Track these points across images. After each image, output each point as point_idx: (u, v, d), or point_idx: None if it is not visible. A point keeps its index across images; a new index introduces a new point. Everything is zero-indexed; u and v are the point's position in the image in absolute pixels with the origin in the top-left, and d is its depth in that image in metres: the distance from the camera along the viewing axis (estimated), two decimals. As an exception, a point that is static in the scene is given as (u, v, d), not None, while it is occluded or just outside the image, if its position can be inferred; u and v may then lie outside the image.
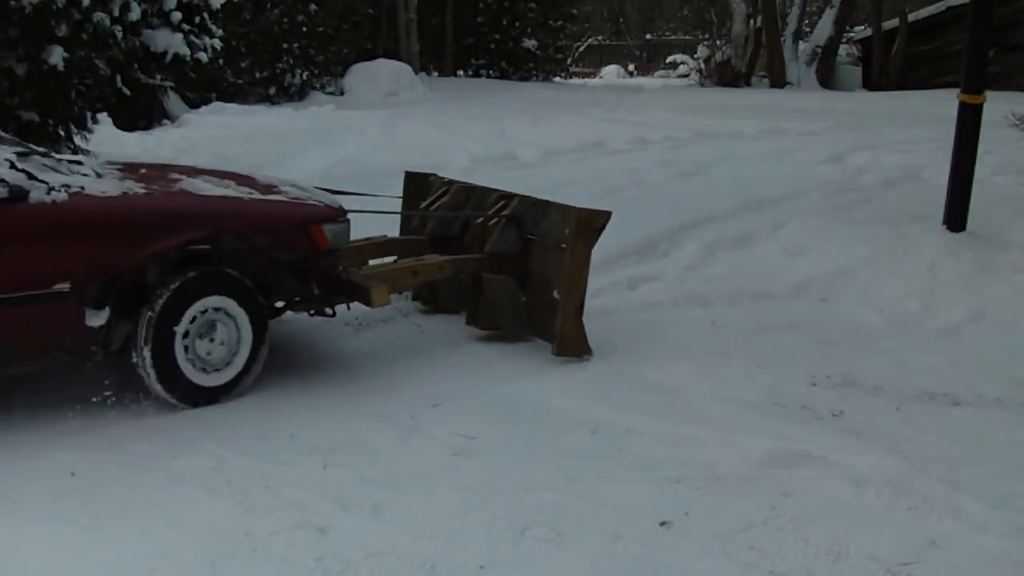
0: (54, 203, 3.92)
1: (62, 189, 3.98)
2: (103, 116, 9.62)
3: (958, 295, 5.50)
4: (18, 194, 3.84)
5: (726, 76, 22.46)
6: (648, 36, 37.01)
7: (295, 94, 17.26)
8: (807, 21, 24.18)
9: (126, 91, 8.62)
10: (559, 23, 25.45)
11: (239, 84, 16.59)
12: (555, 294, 4.83)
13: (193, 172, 4.88)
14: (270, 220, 4.51)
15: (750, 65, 22.25)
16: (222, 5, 9.44)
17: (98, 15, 7.42)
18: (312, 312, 4.84)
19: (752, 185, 9.50)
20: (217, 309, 4.28)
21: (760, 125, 12.35)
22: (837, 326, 5.44)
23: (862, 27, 23.53)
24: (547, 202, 5.07)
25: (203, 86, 14.00)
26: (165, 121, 13.56)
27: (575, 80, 27.65)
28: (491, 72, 24.37)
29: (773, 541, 3.21)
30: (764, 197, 8.81)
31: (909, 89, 18.41)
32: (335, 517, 3.33)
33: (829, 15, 21.55)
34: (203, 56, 9.02)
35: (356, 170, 9.97)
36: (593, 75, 31.84)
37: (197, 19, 9.05)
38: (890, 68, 20.20)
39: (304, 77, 17.41)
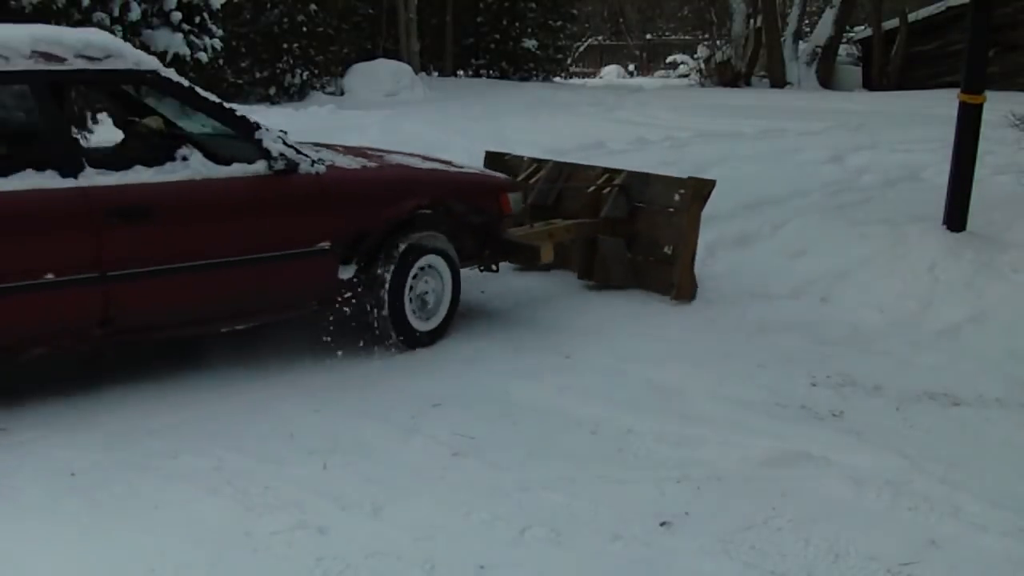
0: (317, 175, 4.70)
1: (321, 162, 4.75)
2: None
3: (958, 295, 5.50)
4: (291, 167, 4.63)
5: (726, 76, 22.46)
6: (648, 36, 37.02)
7: (295, 94, 17.26)
8: (807, 21, 24.19)
9: (126, 91, 8.62)
10: (559, 23, 25.46)
11: (239, 84, 16.59)
12: (666, 250, 5.72)
13: (384, 152, 5.71)
14: (474, 188, 5.36)
15: (750, 65, 22.26)
16: (222, 5, 9.45)
17: (98, 15, 7.43)
18: (482, 268, 5.64)
19: (752, 185, 9.50)
20: (431, 266, 5.06)
21: (760, 125, 12.35)
22: (837, 326, 5.44)
23: (862, 27, 23.54)
24: (650, 174, 6.03)
25: (203, 86, 13.98)
26: (165, 121, 13.55)
27: (575, 80, 27.66)
28: (491, 72, 24.38)
29: (773, 541, 3.21)
30: (764, 197, 8.80)
31: (909, 89, 18.40)
32: (335, 517, 3.33)
33: (829, 15, 21.55)
34: (203, 56, 9.03)
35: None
36: (593, 75, 31.85)
37: (197, 19, 9.05)
38: (890, 68, 20.21)
39: (304, 77, 17.41)
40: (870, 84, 20.58)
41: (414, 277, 4.98)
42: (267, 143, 4.65)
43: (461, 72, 24.27)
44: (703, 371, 4.72)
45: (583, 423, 4.15)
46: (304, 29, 17.27)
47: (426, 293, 5.08)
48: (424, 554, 3.11)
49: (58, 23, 7.09)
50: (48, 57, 4.16)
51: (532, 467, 3.74)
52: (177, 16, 8.71)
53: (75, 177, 4.08)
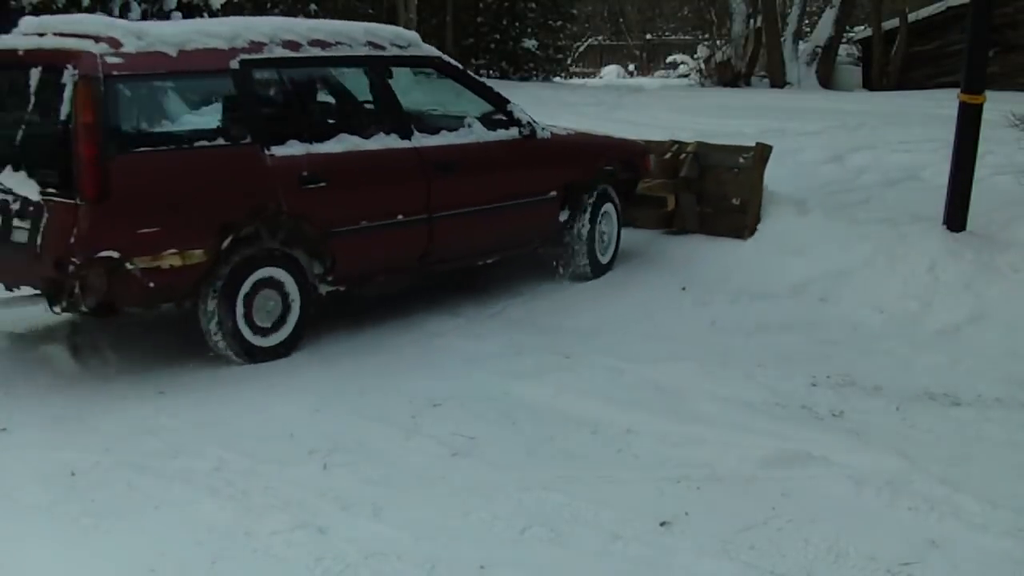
0: (546, 139, 6.03)
1: (547, 129, 6.05)
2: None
3: (958, 295, 5.50)
4: (532, 132, 5.94)
5: (726, 76, 22.44)
6: (648, 36, 36.98)
7: (295, 94, 17.24)
8: (807, 21, 24.17)
9: (126, 91, 8.62)
10: (559, 23, 25.45)
11: (239, 84, 16.58)
12: (734, 201, 6.81)
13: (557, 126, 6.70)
14: (633, 152, 6.77)
15: (750, 65, 22.24)
16: (222, 5, 9.45)
17: (98, 15, 7.41)
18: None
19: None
20: (607, 212, 6.42)
21: (760, 125, 12.32)
22: (837, 326, 5.44)
23: (862, 27, 23.53)
24: (716, 144, 7.20)
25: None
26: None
27: (575, 80, 27.65)
28: (491, 72, 24.36)
29: (773, 541, 3.21)
30: (764, 197, 8.81)
31: (909, 89, 18.39)
32: (335, 517, 3.33)
33: (829, 15, 21.54)
34: (203, 56, 9.03)
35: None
36: (593, 75, 31.83)
37: (197, 19, 9.05)
38: (890, 68, 20.20)
39: (304, 77, 17.40)
40: (870, 84, 20.56)
41: (599, 221, 6.33)
42: (517, 114, 5.94)
43: (461, 72, 24.23)
44: (703, 371, 4.72)
45: (583, 423, 4.15)
46: (304, 29, 17.26)
47: (604, 233, 6.41)
48: (424, 554, 3.11)
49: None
50: (375, 45, 5.41)
51: (532, 467, 3.74)
52: (177, 16, 8.72)
53: (409, 139, 5.33)
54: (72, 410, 4.25)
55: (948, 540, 3.21)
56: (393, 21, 21.81)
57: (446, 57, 5.81)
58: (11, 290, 4.81)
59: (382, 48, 5.43)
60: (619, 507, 3.41)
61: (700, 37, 30.38)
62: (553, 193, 6.03)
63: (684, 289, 6.01)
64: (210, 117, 5.04)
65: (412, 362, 4.94)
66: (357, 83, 5.63)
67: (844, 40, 22.73)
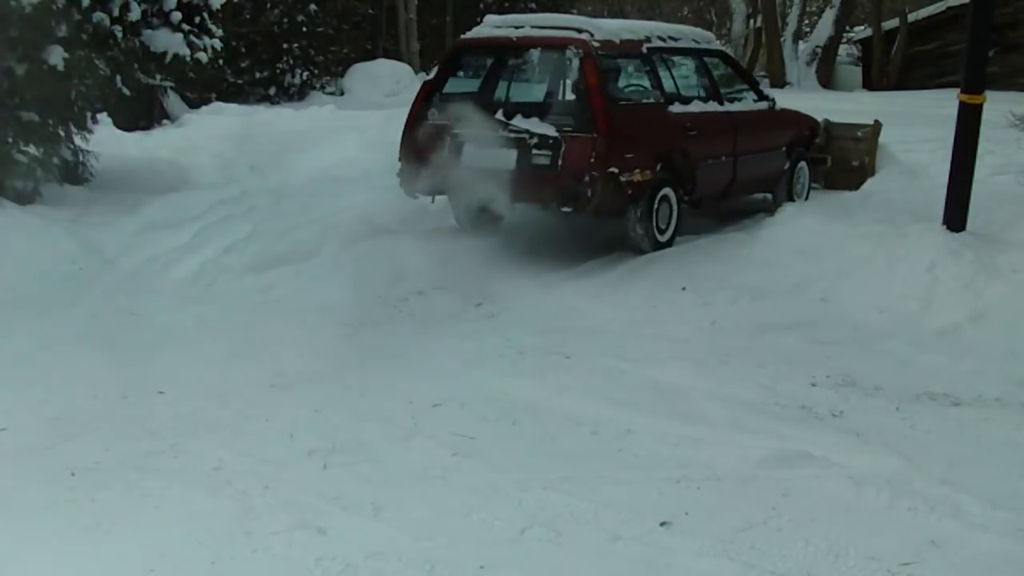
0: (779, 110, 8.21)
1: (775, 102, 8.15)
2: (103, 116, 9.61)
3: (958, 295, 5.49)
4: (773, 105, 8.13)
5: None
6: (648, 36, 36.99)
7: (295, 94, 17.26)
8: (807, 21, 24.20)
9: (126, 91, 8.61)
10: (559, 23, 25.44)
11: (239, 84, 16.59)
12: (854, 163, 8.90)
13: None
14: (814, 124, 8.78)
15: (750, 65, 22.27)
16: (222, 5, 9.44)
17: (98, 15, 7.42)
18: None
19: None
20: (801, 167, 8.42)
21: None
22: (837, 326, 5.44)
23: (862, 27, 23.53)
24: (839, 122, 9.17)
25: (203, 86, 14.00)
26: (165, 121, 13.55)
27: (575, 80, 27.63)
28: (491, 72, 24.36)
29: (773, 541, 3.21)
30: (764, 196, 8.80)
31: (909, 89, 18.40)
32: (335, 517, 3.33)
33: (829, 15, 21.56)
34: (203, 56, 9.02)
35: (356, 169, 9.96)
36: (593, 75, 31.79)
37: (197, 19, 9.05)
38: (890, 68, 20.21)
39: (304, 77, 17.42)
40: (870, 84, 20.58)
41: (798, 169, 8.38)
42: (766, 91, 8.27)
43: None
44: (703, 371, 4.72)
45: (583, 423, 4.15)
46: (304, 29, 17.27)
47: (799, 179, 8.44)
48: (424, 554, 3.11)
49: (58, 23, 7.07)
50: (696, 40, 7.86)
51: (532, 467, 3.74)
52: (177, 16, 8.71)
53: (722, 105, 7.49)
54: (72, 410, 4.25)
55: (948, 540, 3.21)
56: (393, 21, 21.82)
57: (727, 51, 8.82)
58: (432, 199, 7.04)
59: (698, 42, 7.82)
60: (619, 507, 3.41)
61: (700, 37, 30.30)
62: (784, 148, 8.18)
63: (684, 289, 6.01)
64: (637, 84, 7.37)
65: (412, 362, 4.94)
66: (688, 66, 7.90)
67: (844, 40, 22.76)
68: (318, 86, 17.91)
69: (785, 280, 5.97)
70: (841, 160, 8.88)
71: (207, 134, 12.11)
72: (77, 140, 8.30)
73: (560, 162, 6.24)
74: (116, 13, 7.64)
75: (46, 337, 5.24)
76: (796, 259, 6.19)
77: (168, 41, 8.65)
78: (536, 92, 7.22)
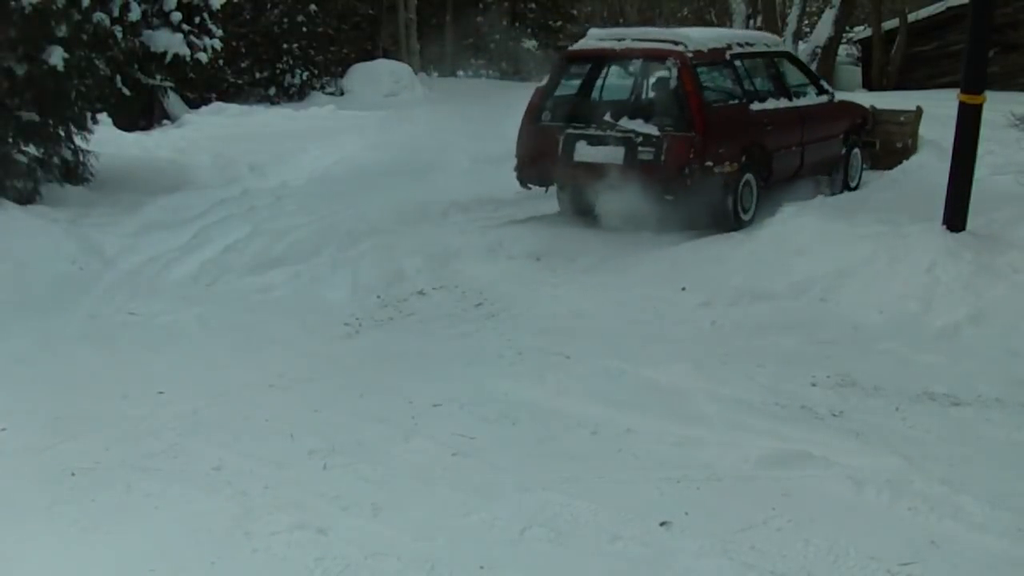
0: (837, 102, 9.19)
1: (834, 95, 9.15)
2: (103, 116, 9.61)
3: (958, 295, 5.49)
4: (832, 98, 9.05)
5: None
6: (648, 36, 37.00)
7: (295, 94, 17.26)
8: (807, 21, 24.17)
9: (126, 91, 8.62)
10: (559, 23, 25.47)
11: (239, 84, 16.59)
12: (898, 145, 9.60)
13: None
14: (867, 112, 9.62)
15: (750, 65, 22.27)
16: (222, 5, 9.45)
17: (98, 15, 7.42)
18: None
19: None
20: (855, 152, 9.25)
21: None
22: (837, 326, 5.44)
23: (862, 27, 23.54)
24: (884, 109, 10.04)
25: (203, 86, 14.00)
26: (165, 121, 13.55)
27: (575, 80, 27.61)
28: (491, 72, 24.38)
29: (773, 541, 3.21)
30: (764, 196, 8.79)
31: (909, 89, 18.40)
32: (335, 517, 3.33)
33: (829, 15, 21.53)
34: (203, 56, 9.04)
35: (356, 169, 9.98)
36: (593, 75, 31.79)
37: (197, 19, 9.07)
38: (890, 68, 20.20)
39: (304, 77, 17.41)
40: (870, 84, 20.57)
41: (853, 154, 9.15)
42: (825, 86, 9.12)
43: (461, 72, 24.27)
44: (703, 371, 4.72)
45: (583, 423, 4.15)
46: (304, 29, 17.26)
47: (853, 165, 9.20)
48: (424, 554, 3.11)
49: (58, 23, 7.07)
50: (767, 44, 8.92)
51: (532, 467, 3.74)
52: (177, 16, 8.73)
53: (791, 101, 8.33)
54: (72, 410, 4.25)
55: (948, 540, 3.21)
56: (393, 21, 21.82)
57: (791, 51, 10.20)
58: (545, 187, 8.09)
59: (768, 46, 8.86)
60: (619, 507, 3.41)
61: (700, 37, 30.28)
62: (841, 136, 8.97)
63: (684, 289, 6.01)
64: (724, 87, 8.09)
65: (412, 362, 4.95)
66: (762, 68, 8.56)
67: (844, 40, 22.75)
68: (318, 86, 17.91)
69: (785, 280, 5.97)
70: (886, 143, 9.72)
71: (207, 134, 12.11)
72: (77, 140, 8.31)
73: (663, 157, 7.23)
74: (116, 13, 7.65)
75: (46, 337, 5.24)
76: (796, 259, 6.19)
77: (168, 41, 8.66)
78: (637, 97, 8.12)
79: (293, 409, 4.29)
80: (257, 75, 16.93)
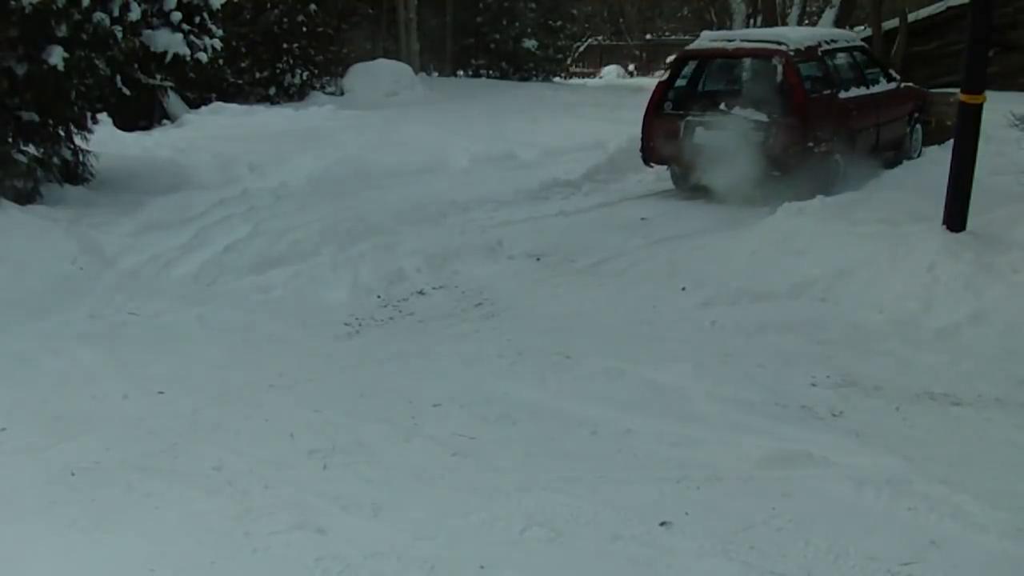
0: (904, 87, 10.37)
1: (901, 81, 10.39)
2: (103, 116, 9.61)
3: (958, 295, 5.49)
4: (899, 84, 10.25)
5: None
6: (648, 36, 36.98)
7: (295, 94, 17.25)
8: (807, 21, 24.18)
9: (126, 91, 8.61)
10: (559, 23, 25.46)
11: (239, 84, 16.58)
12: (948, 122, 9.38)
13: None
14: (927, 95, 11.00)
15: (750, 65, 22.28)
16: (222, 5, 9.43)
17: (98, 15, 7.40)
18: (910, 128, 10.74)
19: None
20: (917, 127, 10.65)
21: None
22: (837, 326, 5.44)
23: (862, 27, 23.52)
24: (932, 91, 11.45)
25: (203, 86, 13.99)
26: (165, 121, 13.55)
27: (575, 80, 27.64)
28: (491, 72, 24.37)
29: (773, 541, 3.21)
30: (764, 196, 8.79)
31: (909, 89, 18.41)
32: (335, 517, 3.33)
33: (829, 15, 21.54)
34: (203, 56, 9.01)
35: (356, 169, 9.98)
36: (593, 75, 31.83)
37: (197, 19, 9.04)
38: (890, 68, 20.18)
39: (304, 77, 17.40)
40: (870, 84, 20.55)
41: (915, 131, 10.60)
42: (894, 74, 10.39)
43: (461, 72, 24.27)
44: (703, 371, 4.72)
45: (583, 423, 4.15)
46: (304, 29, 17.26)
47: (915, 140, 10.59)
48: (424, 554, 3.11)
49: (58, 23, 7.07)
50: (847, 39, 10.24)
51: (532, 467, 3.74)
52: (177, 16, 8.69)
53: (868, 88, 9.54)
54: (72, 410, 4.25)
55: (948, 540, 3.21)
56: (393, 21, 21.81)
57: (864, 45, 10.84)
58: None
59: (848, 42, 10.14)
60: (619, 507, 3.41)
61: (700, 37, 30.28)
62: (906, 116, 10.40)
63: (684, 289, 6.02)
64: (817, 79, 9.02)
65: (412, 363, 4.95)
66: (844, 61, 9.69)
67: (844, 40, 22.72)
68: (318, 86, 17.90)
69: (785, 280, 5.97)
70: (939, 121, 10.83)
71: (207, 134, 12.12)
72: (77, 140, 8.30)
73: (772, 141, 8.48)
74: (116, 13, 7.62)
75: (46, 337, 5.24)
76: (796, 259, 6.19)
77: (168, 41, 8.64)
78: (746, 89, 9.11)
79: (293, 409, 4.29)
80: (257, 75, 16.91)
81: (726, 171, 8.45)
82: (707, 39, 9.85)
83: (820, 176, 8.55)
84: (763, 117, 8.55)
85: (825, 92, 8.98)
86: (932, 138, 10.75)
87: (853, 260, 6.01)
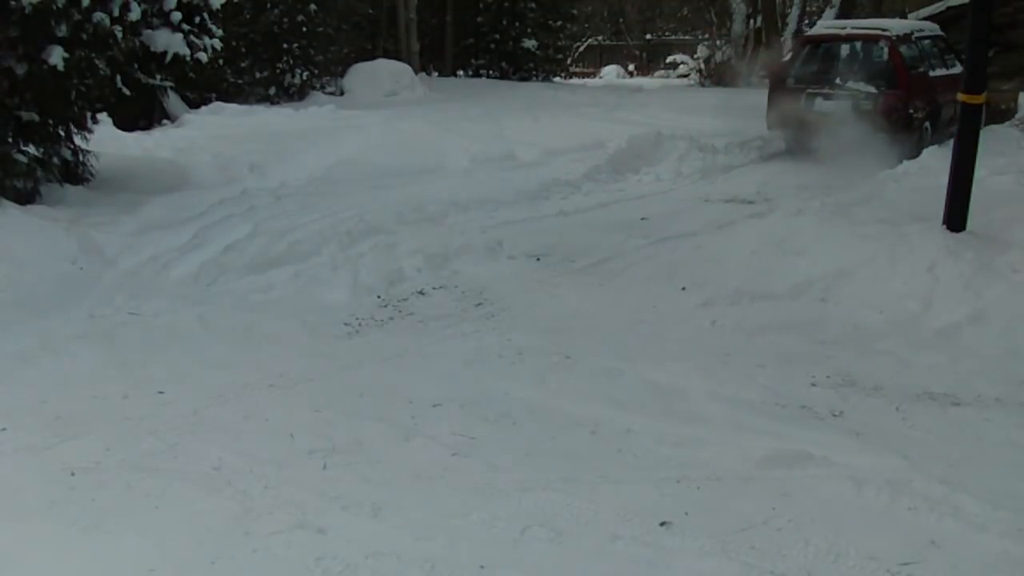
0: (948, 75, 11.46)
1: (939, 65, 11.87)
2: (103, 116, 9.61)
3: (958, 295, 5.49)
4: (954, 69, 11.61)
5: (726, 76, 22.48)
6: (648, 36, 36.99)
7: (295, 94, 17.26)
8: (807, 21, 24.18)
9: (126, 91, 8.61)
10: (559, 23, 25.47)
11: (239, 84, 16.58)
12: (1003, 107, 11.51)
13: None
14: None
15: (750, 65, 22.26)
16: (222, 5, 9.43)
17: (98, 15, 7.39)
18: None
19: (752, 184, 9.50)
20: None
21: (761, 125, 12.36)
22: (837, 326, 5.44)
23: (862, 27, 23.48)
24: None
25: (203, 86, 14.00)
26: (165, 121, 13.56)
27: (575, 80, 27.65)
28: (491, 72, 24.38)
29: (773, 541, 3.21)
30: (764, 196, 8.80)
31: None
32: (335, 517, 3.33)
33: (829, 15, 21.54)
34: (203, 56, 9.01)
35: (356, 170, 9.98)
36: (593, 75, 31.84)
37: (197, 19, 9.03)
38: (890, 68, 20.17)
39: (304, 77, 17.41)
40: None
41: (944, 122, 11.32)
42: (956, 60, 11.38)
43: (461, 72, 24.27)
44: (703, 371, 4.72)
45: (583, 423, 4.15)
46: (304, 29, 17.26)
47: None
48: (424, 554, 3.11)
49: (58, 23, 7.06)
50: (931, 30, 12.17)
51: (532, 467, 3.74)
52: (177, 16, 8.69)
53: (947, 69, 11.39)
54: (72, 410, 4.25)
55: (948, 540, 3.21)
56: (393, 21, 21.82)
57: (943, 34, 12.22)
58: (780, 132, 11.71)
59: (932, 31, 12.00)
60: (619, 507, 3.41)
61: (700, 37, 30.39)
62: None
63: (684, 289, 6.02)
64: (913, 59, 11.17)
65: (412, 362, 4.95)
66: (929, 46, 11.71)
67: (844, 40, 22.72)
68: (318, 86, 17.91)
69: (785, 280, 5.97)
70: (994, 105, 11.29)
71: (207, 134, 12.12)
72: (77, 140, 8.30)
73: (880, 107, 10.65)
74: (116, 13, 7.61)
75: (46, 337, 5.24)
76: (796, 259, 6.19)
77: (168, 41, 8.63)
78: (857, 67, 11.22)
79: (293, 409, 4.29)
80: (257, 75, 16.93)
81: (838, 134, 10.28)
82: (824, 26, 12.99)
83: (914, 139, 10.57)
84: (872, 89, 10.82)
85: (919, 69, 11.15)
86: (989, 121, 11.82)
87: (853, 260, 6.02)
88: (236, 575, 3.02)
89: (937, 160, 8.45)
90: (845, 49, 11.64)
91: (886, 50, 10.98)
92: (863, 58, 11.37)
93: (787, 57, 12.51)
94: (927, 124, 10.90)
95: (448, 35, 23.55)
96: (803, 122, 11.03)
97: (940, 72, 11.41)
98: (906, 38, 11.23)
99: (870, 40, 11.29)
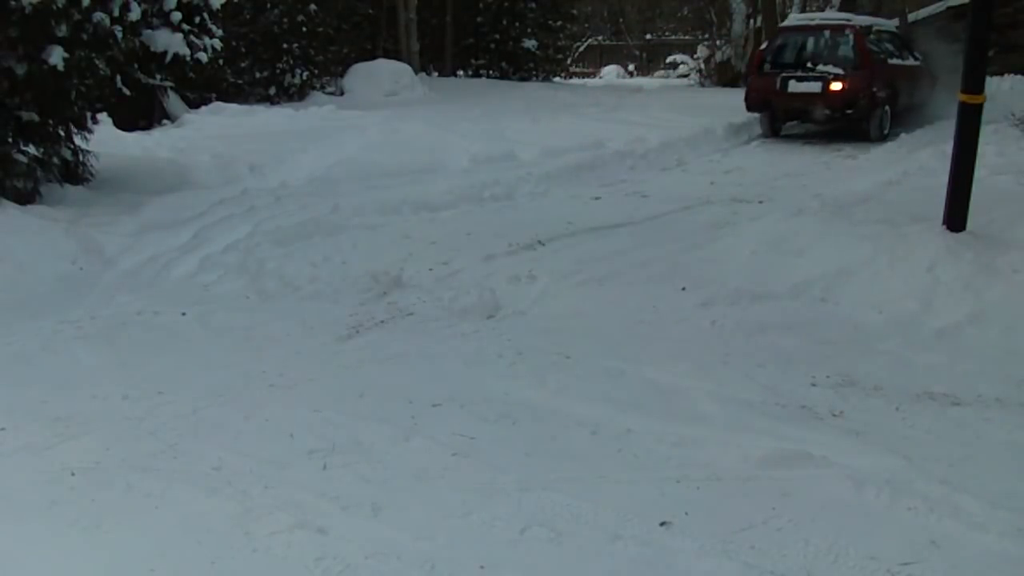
0: (924, 66, 14.03)
1: (923, 59, 14.18)
2: (103, 116, 9.61)
3: (958, 295, 5.49)
4: (922, 62, 14.00)
5: (726, 76, 22.47)
6: (648, 36, 36.99)
7: (295, 94, 17.25)
8: (807, 21, 24.20)
9: (126, 91, 8.61)
10: (559, 23, 25.46)
11: (239, 84, 16.58)
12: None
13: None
14: (934, 76, 14.26)
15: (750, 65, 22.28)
16: (222, 5, 9.43)
17: (98, 15, 7.40)
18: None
19: (752, 184, 9.51)
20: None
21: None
22: (837, 326, 5.44)
23: (862, 27, 23.51)
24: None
25: (203, 86, 13.99)
26: (165, 121, 13.55)
27: (575, 80, 27.65)
28: (491, 72, 24.38)
29: (773, 541, 3.21)
30: (764, 196, 8.80)
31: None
32: (335, 517, 3.33)
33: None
34: (203, 56, 9.01)
35: (356, 170, 9.98)
36: (593, 75, 31.84)
37: (197, 19, 9.04)
38: (890, 68, 20.18)
39: (304, 77, 17.40)
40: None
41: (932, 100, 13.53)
42: (916, 55, 13.78)
43: (461, 72, 24.27)
44: (703, 371, 4.72)
45: (583, 423, 4.15)
46: (304, 29, 17.26)
47: (936, 105, 13.05)
48: (424, 554, 3.11)
49: (58, 23, 7.07)
50: (889, 27, 14.63)
51: (532, 467, 3.74)
52: (177, 16, 8.69)
53: (903, 61, 13.66)
54: (72, 410, 4.25)
55: (948, 540, 3.21)
56: (393, 21, 21.81)
57: (896, 31, 14.44)
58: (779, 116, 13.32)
59: (889, 28, 13.99)
60: (619, 507, 3.41)
61: (700, 37, 30.40)
62: (927, 87, 13.57)
63: (684, 289, 6.02)
64: (874, 45, 12.79)
65: (412, 363, 4.95)
66: (887, 40, 13.44)
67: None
68: (318, 86, 17.90)
69: (785, 280, 5.97)
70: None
71: (207, 134, 12.12)
72: (77, 140, 8.30)
73: (847, 87, 12.14)
74: (116, 13, 7.61)
75: (46, 337, 5.24)
76: (796, 259, 6.19)
77: (168, 41, 8.63)
78: (826, 53, 12.64)
79: (293, 409, 4.29)
80: (257, 75, 16.92)
81: (810, 112, 12.45)
82: (796, 19, 14.29)
83: (878, 118, 12.32)
84: (840, 71, 12.25)
85: (881, 57, 12.72)
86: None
87: (853, 260, 6.02)
88: (236, 575, 3.02)
89: (937, 160, 8.33)
90: (815, 38, 12.92)
91: (852, 38, 12.48)
92: (831, 45, 12.71)
93: (763, 46, 14.07)
94: (886, 107, 12.45)
95: (448, 35, 23.55)
96: (778, 103, 12.75)
97: (897, 62, 13.16)
98: (868, 30, 12.92)
99: (838, 30, 12.77)
